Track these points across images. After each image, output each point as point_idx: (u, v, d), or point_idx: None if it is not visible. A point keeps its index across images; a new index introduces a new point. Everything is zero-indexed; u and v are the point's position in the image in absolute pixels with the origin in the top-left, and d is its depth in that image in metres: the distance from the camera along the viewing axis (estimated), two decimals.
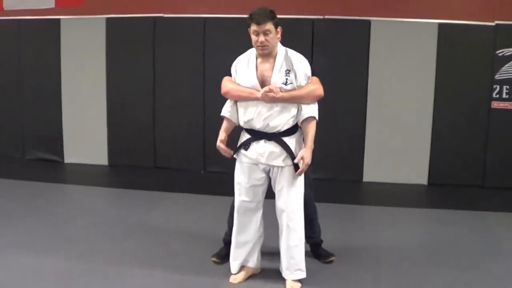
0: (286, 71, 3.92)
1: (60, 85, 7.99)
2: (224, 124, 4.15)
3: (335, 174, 7.32)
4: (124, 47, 7.75)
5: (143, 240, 5.05)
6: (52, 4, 7.13)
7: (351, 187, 7.22)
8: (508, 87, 6.99)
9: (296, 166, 3.96)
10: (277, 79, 3.91)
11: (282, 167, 3.99)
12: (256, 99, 3.91)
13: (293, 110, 3.96)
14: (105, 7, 7.79)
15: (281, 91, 3.86)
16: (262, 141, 3.99)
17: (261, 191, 4.11)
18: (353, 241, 5.14)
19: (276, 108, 3.92)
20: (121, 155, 7.99)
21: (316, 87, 3.98)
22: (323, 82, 4.04)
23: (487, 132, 7.12)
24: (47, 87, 8.06)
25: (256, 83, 3.94)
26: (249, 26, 3.91)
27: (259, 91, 3.89)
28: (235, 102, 4.09)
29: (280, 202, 4.04)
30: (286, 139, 3.97)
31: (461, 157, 7.20)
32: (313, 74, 4.04)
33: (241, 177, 4.09)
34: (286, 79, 3.91)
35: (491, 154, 7.14)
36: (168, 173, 7.71)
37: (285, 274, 4.11)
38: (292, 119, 3.97)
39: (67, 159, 8.16)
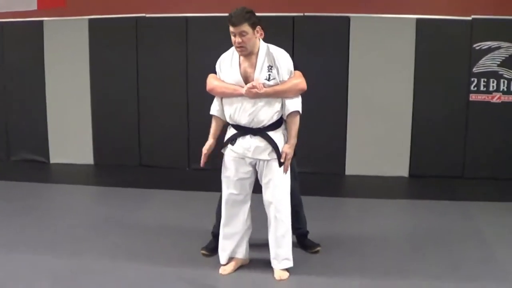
0: (268, 67, 3.99)
1: (44, 86, 7.98)
2: (213, 126, 4.22)
3: (317, 168, 7.36)
4: (107, 47, 7.77)
5: (134, 236, 5.11)
6: (34, 6, 7.11)
7: (334, 180, 7.31)
8: (485, 79, 7.10)
9: (281, 162, 4.07)
10: (260, 75, 3.98)
11: (268, 160, 4.08)
12: (241, 95, 3.98)
13: (277, 105, 4.04)
14: (87, 8, 7.80)
15: (264, 87, 3.95)
16: (248, 136, 4.07)
17: (248, 184, 4.19)
18: (338, 232, 5.23)
19: (260, 103, 3.99)
20: (106, 154, 8.01)
21: (299, 81, 4.06)
22: (304, 78, 4.11)
23: (466, 124, 7.24)
24: (31, 88, 8.05)
25: (240, 79, 4.02)
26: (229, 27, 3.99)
27: (243, 87, 3.97)
28: (222, 99, 4.17)
29: (267, 194, 4.13)
30: (271, 133, 4.05)
31: (441, 149, 7.32)
32: (295, 68, 4.10)
33: (228, 171, 4.18)
34: (269, 74, 3.99)
35: (470, 145, 7.26)
36: (153, 171, 7.74)
37: (273, 263, 4.20)
38: (277, 113, 4.05)
39: (53, 159, 8.16)
